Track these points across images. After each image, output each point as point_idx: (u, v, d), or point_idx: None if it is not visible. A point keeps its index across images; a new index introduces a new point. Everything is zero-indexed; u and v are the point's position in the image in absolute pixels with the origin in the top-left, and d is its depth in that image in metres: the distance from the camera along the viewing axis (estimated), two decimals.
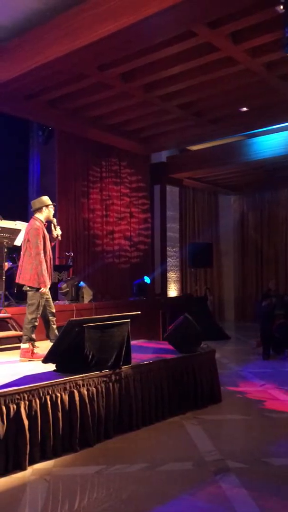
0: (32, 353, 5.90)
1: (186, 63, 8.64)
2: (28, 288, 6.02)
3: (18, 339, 6.68)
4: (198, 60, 8.59)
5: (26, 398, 4.17)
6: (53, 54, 7.72)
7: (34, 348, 5.90)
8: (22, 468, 4.19)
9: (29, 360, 5.82)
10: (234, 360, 9.17)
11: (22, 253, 6.01)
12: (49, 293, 6.08)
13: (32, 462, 4.27)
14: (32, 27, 7.91)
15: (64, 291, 8.78)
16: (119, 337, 5.08)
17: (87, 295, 9.12)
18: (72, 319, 4.80)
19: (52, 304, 6.25)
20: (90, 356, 4.75)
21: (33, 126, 11.75)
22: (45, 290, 5.93)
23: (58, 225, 6.34)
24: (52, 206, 6.19)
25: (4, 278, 7.58)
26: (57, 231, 6.29)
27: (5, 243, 7.52)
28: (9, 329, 7.08)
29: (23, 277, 6.01)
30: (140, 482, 3.95)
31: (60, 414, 4.42)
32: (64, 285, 8.89)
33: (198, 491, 3.81)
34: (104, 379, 4.80)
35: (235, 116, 11.16)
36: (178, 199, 14.33)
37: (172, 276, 14.00)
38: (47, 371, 4.87)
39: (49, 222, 6.25)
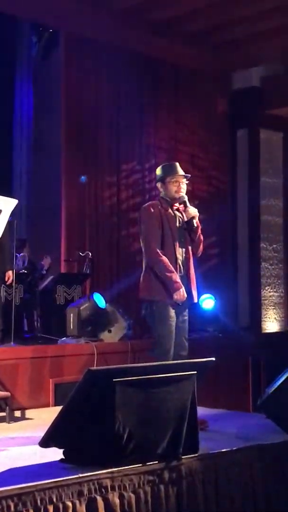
0: None
1: None
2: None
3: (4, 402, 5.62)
4: None
5: (11, 509, 3.35)
6: None
7: None
8: None
9: None
10: None
11: None
12: None
13: None
14: None
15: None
16: (177, 404, 4.18)
17: (118, 327, 7.85)
18: (93, 368, 4.08)
19: None
20: (125, 436, 3.87)
21: (22, 29, 9.78)
22: (180, 296, 5.20)
23: (188, 204, 5.33)
24: (174, 176, 5.29)
25: None
26: (190, 212, 5.26)
27: None
28: None
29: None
30: None
31: None
32: (76, 309, 7.65)
33: None
34: (151, 477, 3.93)
35: None
36: (281, 155, 11.53)
37: (271, 296, 11.35)
38: (49, 462, 4.04)
39: (180, 201, 5.33)
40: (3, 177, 8.96)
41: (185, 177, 5.37)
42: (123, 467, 3.85)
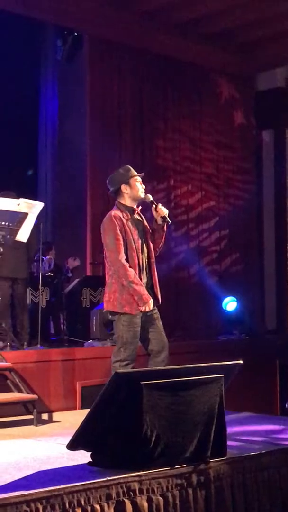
0: None
1: None
2: (110, 315, 5.32)
3: (25, 406, 5.65)
4: None
5: (40, 511, 3.36)
6: None
7: None
8: None
9: None
10: None
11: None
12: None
13: None
14: None
15: (105, 321, 7.69)
16: (205, 407, 4.18)
17: None
18: (120, 371, 4.16)
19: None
20: (153, 440, 3.89)
21: (48, 33, 9.90)
22: (147, 307, 5.13)
23: (156, 203, 5.28)
24: (137, 178, 5.27)
25: None
26: (161, 211, 5.20)
27: (0, 238, 6.26)
28: (7, 389, 5.91)
29: (104, 299, 5.34)
30: None
31: None
32: (99, 312, 7.65)
33: None
34: (179, 481, 3.94)
35: None
36: None
37: None
38: (77, 464, 4.05)
39: (142, 203, 5.34)
40: (28, 180, 8.93)
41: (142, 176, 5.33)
42: (151, 471, 3.85)
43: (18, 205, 6.18)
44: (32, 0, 8.52)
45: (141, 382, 3.86)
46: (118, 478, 3.71)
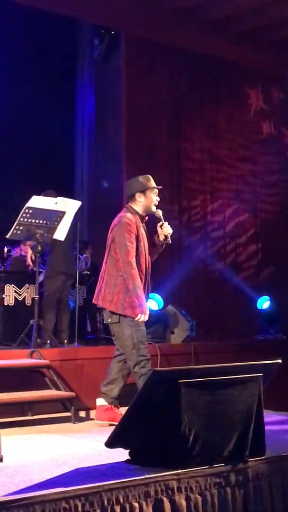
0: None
1: None
2: (110, 316, 5.26)
3: (62, 404, 5.66)
4: None
5: (79, 508, 3.38)
6: None
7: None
8: None
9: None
10: None
11: (104, 259, 5.37)
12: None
13: None
14: None
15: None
16: (243, 406, 4.21)
17: (181, 328, 7.73)
18: (158, 369, 4.32)
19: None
20: (191, 438, 3.91)
21: (84, 32, 9.81)
22: (144, 318, 5.14)
23: (163, 220, 5.29)
24: (154, 190, 5.25)
25: (37, 297, 6.27)
26: (166, 230, 5.24)
27: (38, 236, 6.14)
28: (45, 386, 5.88)
29: (102, 297, 5.25)
30: None
31: None
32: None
33: None
34: (217, 480, 3.98)
35: None
36: None
37: None
38: (115, 462, 4.09)
39: (150, 215, 5.31)
40: (65, 180, 8.91)
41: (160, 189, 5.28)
42: (190, 469, 3.85)
43: (56, 203, 6.18)
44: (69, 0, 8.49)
45: (179, 381, 3.86)
46: (156, 476, 3.72)
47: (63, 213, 6.19)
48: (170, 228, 5.22)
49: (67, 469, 3.89)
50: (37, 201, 6.07)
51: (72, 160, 9.61)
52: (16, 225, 6.07)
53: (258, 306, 9.48)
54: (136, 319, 5.07)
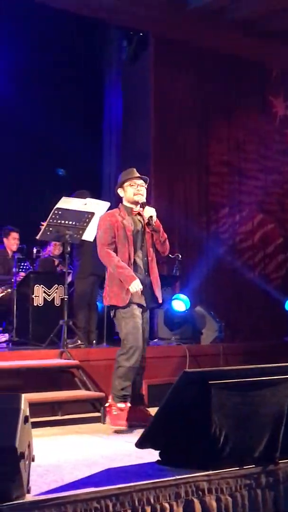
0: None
1: None
2: (110, 312, 5.26)
3: (92, 404, 5.64)
4: None
5: (110, 508, 3.40)
6: None
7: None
8: None
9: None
10: None
11: None
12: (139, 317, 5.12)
13: None
14: None
15: None
16: (274, 408, 4.17)
17: (210, 329, 7.67)
18: (188, 370, 4.19)
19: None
20: (222, 439, 3.90)
21: (112, 34, 9.62)
22: (135, 287, 5.00)
23: (145, 204, 5.24)
24: (132, 179, 5.22)
25: (66, 297, 6.24)
26: (146, 213, 5.15)
27: (67, 237, 6.12)
28: (75, 387, 5.88)
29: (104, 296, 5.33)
30: None
31: None
32: (163, 311, 7.63)
33: None
34: (248, 481, 3.96)
35: None
36: None
37: None
38: (145, 463, 4.11)
39: (138, 204, 5.25)
40: (93, 180, 8.85)
41: (142, 179, 5.18)
42: (220, 470, 3.82)
43: (85, 204, 6.15)
44: (97, 1, 8.40)
45: (210, 382, 3.83)
46: (187, 477, 3.70)
47: (92, 214, 6.15)
48: (151, 210, 5.15)
49: (97, 469, 3.89)
50: (67, 202, 6.05)
51: (100, 161, 9.53)
52: (46, 226, 6.07)
53: (286, 307, 9.44)
54: (131, 291, 4.94)
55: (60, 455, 4.28)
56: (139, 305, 5.01)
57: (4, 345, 6.75)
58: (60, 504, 3.25)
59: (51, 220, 6.01)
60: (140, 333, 5.03)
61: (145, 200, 5.15)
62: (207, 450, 3.91)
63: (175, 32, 9.00)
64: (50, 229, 6.07)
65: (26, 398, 3.55)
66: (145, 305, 5.05)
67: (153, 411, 5.49)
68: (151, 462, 4.06)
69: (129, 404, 5.03)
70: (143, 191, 5.13)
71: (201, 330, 7.61)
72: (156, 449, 4.08)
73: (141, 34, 9.19)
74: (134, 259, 5.05)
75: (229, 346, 7.54)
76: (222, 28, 9.21)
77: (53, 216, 5.99)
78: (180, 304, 7.61)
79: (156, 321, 7.55)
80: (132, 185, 5.16)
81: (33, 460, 3.66)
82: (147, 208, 5.13)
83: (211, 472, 3.81)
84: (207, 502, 3.75)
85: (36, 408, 5.59)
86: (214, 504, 3.77)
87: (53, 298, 6.85)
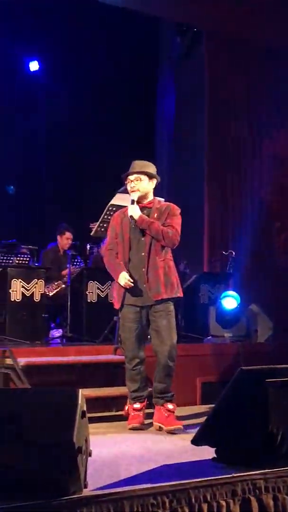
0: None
1: None
2: None
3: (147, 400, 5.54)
4: None
5: (166, 505, 3.39)
6: None
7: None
8: None
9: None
10: None
11: None
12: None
13: None
14: None
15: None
16: None
17: (264, 327, 7.59)
18: (245, 368, 4.04)
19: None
20: (279, 438, 3.83)
21: (166, 30, 9.54)
22: (122, 279, 4.94)
23: (133, 202, 5.02)
24: (127, 176, 5.07)
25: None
26: (129, 211, 4.97)
27: None
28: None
29: None
30: None
31: None
32: (215, 308, 7.53)
33: None
34: None
35: None
36: None
37: None
38: (201, 460, 4.04)
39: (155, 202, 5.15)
40: None
41: (135, 173, 4.94)
42: (277, 469, 3.74)
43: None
44: None
45: (267, 380, 3.81)
46: (243, 475, 3.64)
47: None
48: (131, 209, 4.93)
49: (153, 465, 3.88)
50: (121, 199, 6.02)
51: (153, 157, 9.50)
52: (99, 223, 6.08)
53: None
54: (121, 285, 4.86)
55: (115, 450, 4.26)
56: (135, 306, 4.93)
57: (58, 340, 6.78)
58: (116, 499, 3.24)
59: (105, 217, 5.99)
60: (134, 335, 4.95)
61: (136, 198, 4.96)
62: (263, 449, 3.85)
63: (229, 28, 8.88)
64: (104, 225, 6.04)
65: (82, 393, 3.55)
66: (141, 304, 4.92)
67: (206, 408, 5.49)
68: (207, 459, 3.99)
69: (144, 403, 5.07)
70: (139, 185, 4.92)
71: (255, 328, 7.53)
72: (211, 446, 4.01)
73: (195, 30, 9.10)
74: (129, 257, 4.97)
75: (282, 344, 7.41)
76: (274, 21, 8.90)
77: (107, 213, 5.97)
78: (230, 301, 7.53)
79: (209, 318, 7.51)
80: (128, 182, 5.04)
81: (90, 455, 3.65)
82: (129, 207, 4.98)
83: (268, 470, 3.74)
84: (264, 500, 3.69)
85: (92, 403, 5.60)
86: (271, 502, 3.71)
87: (107, 294, 6.85)
